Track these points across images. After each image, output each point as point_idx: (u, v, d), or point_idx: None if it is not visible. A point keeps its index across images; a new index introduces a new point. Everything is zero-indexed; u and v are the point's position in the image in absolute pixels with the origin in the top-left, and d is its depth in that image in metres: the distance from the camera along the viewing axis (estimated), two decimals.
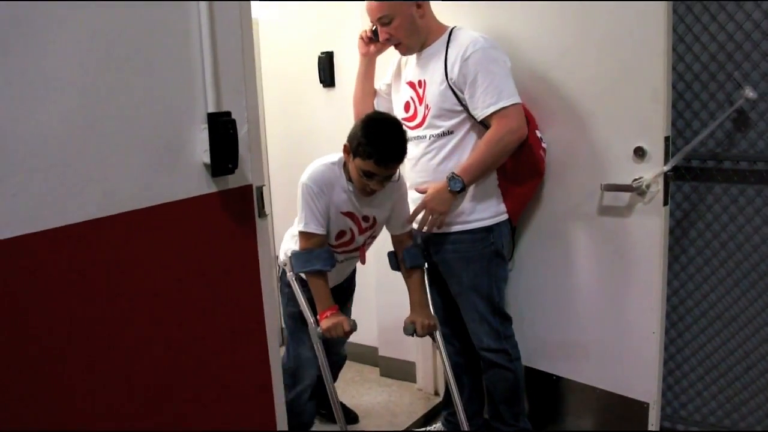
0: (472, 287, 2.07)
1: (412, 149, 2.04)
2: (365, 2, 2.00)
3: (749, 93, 1.93)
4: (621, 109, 1.92)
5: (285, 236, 2.11)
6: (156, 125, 1.29)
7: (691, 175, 2.12)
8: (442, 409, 2.49)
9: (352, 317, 1.99)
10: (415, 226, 2.07)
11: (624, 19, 1.86)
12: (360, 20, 2.33)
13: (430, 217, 1.98)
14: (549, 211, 2.15)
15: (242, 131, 1.43)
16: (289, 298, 2.06)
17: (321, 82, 2.92)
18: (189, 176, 1.36)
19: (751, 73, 1.97)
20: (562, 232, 2.13)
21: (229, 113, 1.39)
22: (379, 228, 2.07)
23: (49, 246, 1.13)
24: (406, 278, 2.07)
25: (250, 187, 1.50)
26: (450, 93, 1.95)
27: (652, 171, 1.88)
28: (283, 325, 2.23)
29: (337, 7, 2.76)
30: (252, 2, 1.61)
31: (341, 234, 1.98)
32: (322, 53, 2.89)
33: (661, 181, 1.88)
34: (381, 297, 2.83)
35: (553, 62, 2.03)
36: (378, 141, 1.79)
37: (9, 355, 1.08)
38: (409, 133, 2.03)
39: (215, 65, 1.36)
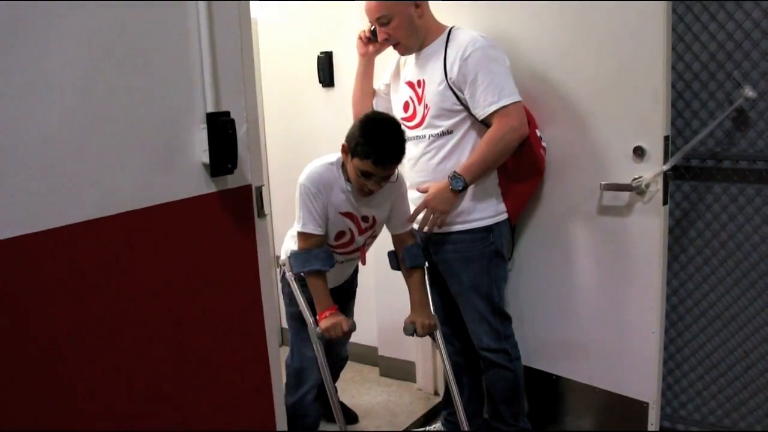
0: (472, 287, 2.07)
1: (412, 149, 2.04)
2: (364, 2, 2.00)
3: (749, 92, 1.93)
4: (620, 108, 1.92)
5: (286, 237, 2.11)
6: (155, 125, 1.29)
7: (690, 175, 2.12)
8: (441, 409, 2.49)
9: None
10: (415, 226, 2.07)
11: (624, 18, 1.86)
12: (359, 20, 2.33)
13: (432, 216, 1.98)
14: (548, 211, 2.15)
15: (241, 131, 1.43)
16: (291, 298, 2.05)
17: (320, 82, 2.92)
18: (188, 176, 1.36)
19: (750, 72, 1.97)
20: (562, 231, 2.13)
21: (228, 113, 1.39)
22: (379, 228, 2.07)
23: (48, 246, 1.13)
24: (407, 278, 2.06)
25: (249, 187, 1.50)
26: (449, 93, 1.95)
27: (651, 170, 1.88)
28: (286, 326, 2.23)
29: (336, 7, 2.76)
30: (251, 2, 1.61)
31: (341, 235, 1.97)
32: (321, 53, 2.89)
33: (660, 180, 1.88)
34: (381, 297, 2.83)
35: (552, 62, 2.03)
36: (376, 141, 1.79)
37: (9, 355, 1.08)
38: (409, 133, 2.03)
39: (214, 65, 1.36)
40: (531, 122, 2.02)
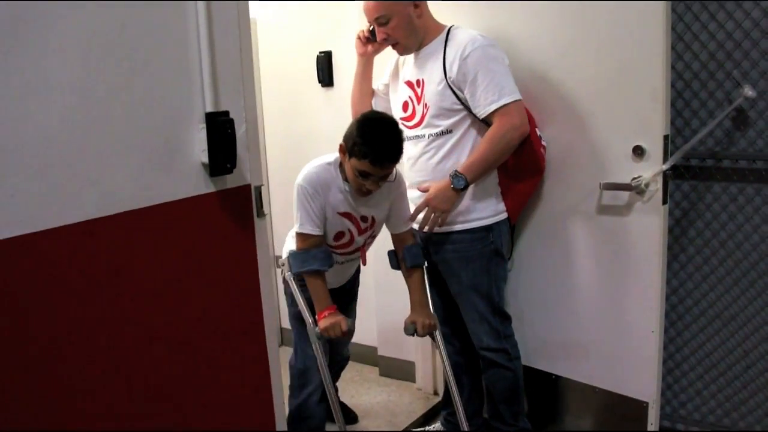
0: (472, 287, 2.07)
1: (411, 148, 2.04)
2: (363, 2, 2.00)
3: (748, 91, 1.94)
4: (620, 108, 1.92)
5: (287, 237, 2.11)
6: (154, 125, 1.29)
7: (690, 174, 2.12)
8: (441, 409, 2.49)
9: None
10: (414, 225, 2.07)
11: (623, 18, 1.86)
12: (358, 20, 2.33)
13: (432, 215, 1.98)
14: (548, 210, 2.15)
15: (240, 131, 1.43)
16: (292, 298, 2.05)
17: (319, 81, 2.92)
18: (187, 176, 1.36)
19: (750, 72, 1.97)
20: (562, 231, 2.13)
21: (227, 113, 1.39)
22: (378, 228, 2.07)
23: (48, 246, 1.13)
24: (407, 277, 2.06)
25: (248, 186, 1.50)
26: (449, 92, 1.95)
27: (651, 170, 1.88)
28: (289, 326, 2.22)
29: (336, 7, 2.76)
30: (250, 2, 1.61)
31: (340, 235, 1.97)
32: (320, 53, 2.89)
33: (660, 179, 1.88)
34: (381, 297, 2.83)
35: (552, 62, 2.03)
36: (373, 140, 1.78)
37: (9, 354, 1.08)
38: (408, 133, 2.03)
39: (213, 65, 1.36)
40: (531, 122, 2.02)
